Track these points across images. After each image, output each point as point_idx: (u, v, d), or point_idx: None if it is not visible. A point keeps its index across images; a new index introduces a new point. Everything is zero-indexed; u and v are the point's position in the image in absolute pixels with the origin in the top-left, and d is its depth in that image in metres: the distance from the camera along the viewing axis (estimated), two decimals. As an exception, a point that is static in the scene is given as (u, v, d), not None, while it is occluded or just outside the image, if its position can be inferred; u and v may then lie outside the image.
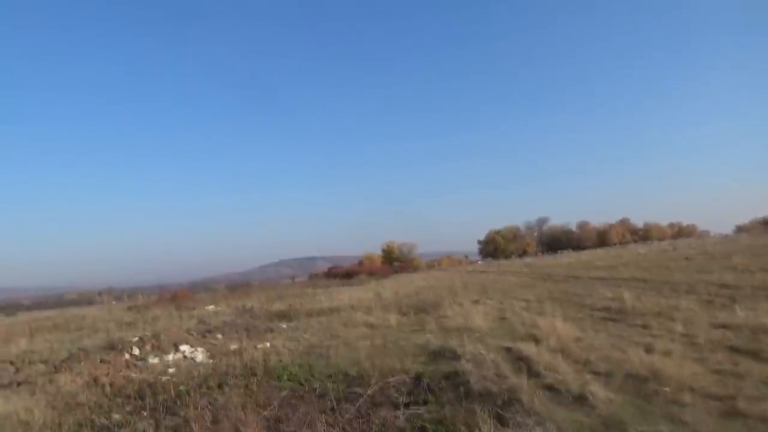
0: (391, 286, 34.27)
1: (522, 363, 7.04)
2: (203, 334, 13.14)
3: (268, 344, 11.12)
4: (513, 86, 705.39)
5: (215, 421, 5.44)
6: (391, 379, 6.53)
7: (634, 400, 5.23)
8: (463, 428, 4.59)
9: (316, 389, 6.57)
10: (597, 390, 5.32)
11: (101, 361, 10.06)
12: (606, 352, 7.22)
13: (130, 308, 37.71)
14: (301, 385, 6.98)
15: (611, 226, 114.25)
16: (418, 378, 6.62)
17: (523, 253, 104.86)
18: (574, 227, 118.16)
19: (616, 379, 5.82)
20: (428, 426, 4.79)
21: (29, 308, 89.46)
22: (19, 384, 9.13)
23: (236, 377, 7.52)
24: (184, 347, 10.97)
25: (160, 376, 8.40)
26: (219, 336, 12.96)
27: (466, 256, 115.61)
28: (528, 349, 7.73)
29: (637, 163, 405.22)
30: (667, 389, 5.35)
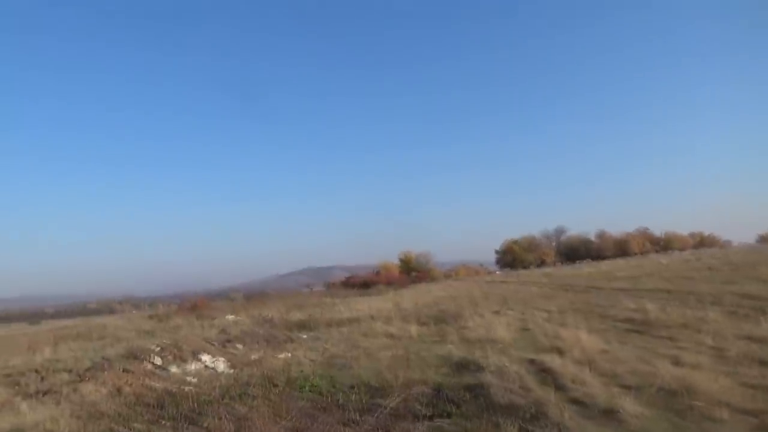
0: (410, 296, 34.12)
1: (547, 375, 6.92)
2: (223, 343, 13.22)
3: (289, 354, 11.13)
4: (524, 95, 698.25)
5: (237, 431, 5.44)
6: (413, 391, 6.47)
7: (666, 414, 5.06)
8: (488, 442, 4.50)
9: (338, 400, 6.54)
10: (627, 404, 5.16)
11: (124, 370, 10.17)
12: (633, 365, 7.03)
13: (151, 317, 38.21)
14: (323, 395, 6.95)
15: (631, 235, 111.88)
16: (440, 390, 6.54)
17: (542, 263, 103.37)
18: (592, 237, 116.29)
19: (646, 393, 5.64)
20: (452, 439, 4.71)
21: (53, 317, 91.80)
22: (44, 393, 9.27)
23: (257, 387, 7.52)
24: (204, 357, 11.04)
25: (181, 386, 8.45)
26: (239, 346, 13.03)
27: (482, 265, 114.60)
28: (552, 361, 7.60)
29: (650, 172, 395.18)
30: (700, 404, 5.16)
